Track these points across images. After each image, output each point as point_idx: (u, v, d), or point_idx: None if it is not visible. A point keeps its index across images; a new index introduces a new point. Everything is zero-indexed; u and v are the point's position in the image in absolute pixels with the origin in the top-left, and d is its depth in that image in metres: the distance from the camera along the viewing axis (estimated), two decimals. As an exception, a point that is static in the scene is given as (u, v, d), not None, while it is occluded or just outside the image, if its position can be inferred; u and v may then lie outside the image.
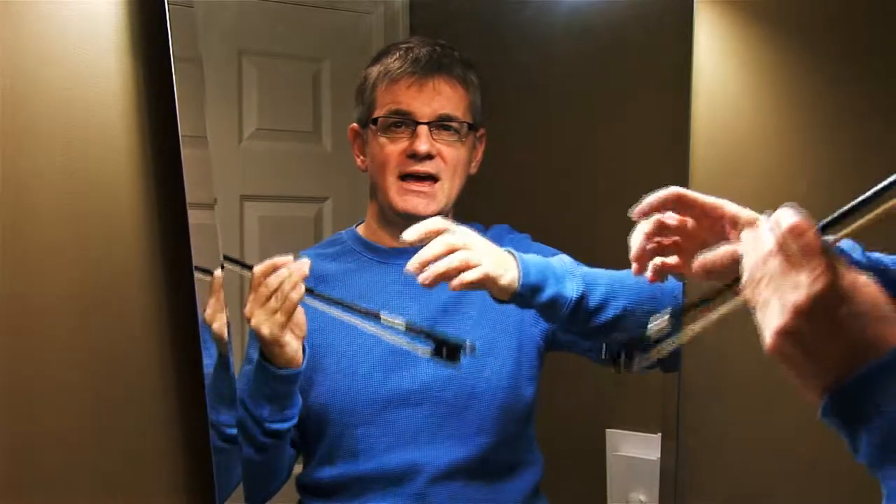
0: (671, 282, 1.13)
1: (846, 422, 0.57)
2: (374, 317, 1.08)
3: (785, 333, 0.58)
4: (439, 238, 1.01)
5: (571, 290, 1.04)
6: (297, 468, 1.25)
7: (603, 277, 1.08)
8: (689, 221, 0.83)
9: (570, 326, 1.08)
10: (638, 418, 1.14)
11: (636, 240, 0.83)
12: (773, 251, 0.59)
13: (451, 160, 1.21)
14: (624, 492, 1.37)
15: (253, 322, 1.08)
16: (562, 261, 1.08)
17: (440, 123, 1.20)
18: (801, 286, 0.57)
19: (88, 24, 0.99)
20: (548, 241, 1.24)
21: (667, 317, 0.82)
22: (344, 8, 1.49)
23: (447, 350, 1.05)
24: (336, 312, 1.10)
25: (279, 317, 1.07)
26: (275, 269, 1.08)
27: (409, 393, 1.17)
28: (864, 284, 0.58)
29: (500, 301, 1.05)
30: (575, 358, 1.30)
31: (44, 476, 0.97)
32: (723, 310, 0.73)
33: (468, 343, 1.05)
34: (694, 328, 0.78)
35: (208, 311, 1.10)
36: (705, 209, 0.82)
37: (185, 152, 1.05)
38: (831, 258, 0.58)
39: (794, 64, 1.22)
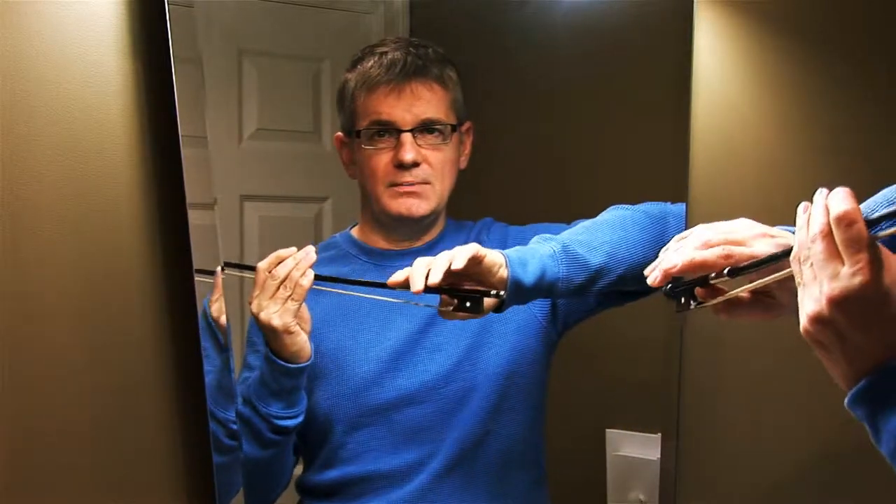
0: (676, 205, 1.17)
1: (873, 410, 0.58)
2: (382, 286, 1.06)
3: (818, 321, 0.59)
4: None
5: (554, 267, 1.03)
6: (297, 469, 1.25)
7: (603, 228, 1.09)
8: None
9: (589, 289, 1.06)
10: (638, 418, 1.14)
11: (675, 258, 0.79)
12: (821, 234, 0.59)
13: (438, 164, 1.20)
14: (624, 492, 1.37)
15: (262, 315, 1.08)
16: (546, 237, 1.08)
17: (423, 128, 1.19)
18: (840, 278, 0.57)
19: (88, 24, 0.99)
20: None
21: (725, 275, 0.78)
22: (344, 8, 1.49)
23: (470, 302, 1.02)
24: (349, 292, 1.12)
25: (290, 304, 1.08)
26: (279, 260, 1.09)
27: (411, 393, 1.17)
28: None
29: (500, 309, 1.04)
30: (575, 358, 1.30)
31: (44, 477, 0.97)
32: (771, 278, 0.72)
33: (493, 291, 1.01)
34: (747, 287, 0.76)
35: (214, 306, 1.11)
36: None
37: (185, 152, 1.05)
38: (876, 254, 0.57)
39: (794, 64, 1.22)
